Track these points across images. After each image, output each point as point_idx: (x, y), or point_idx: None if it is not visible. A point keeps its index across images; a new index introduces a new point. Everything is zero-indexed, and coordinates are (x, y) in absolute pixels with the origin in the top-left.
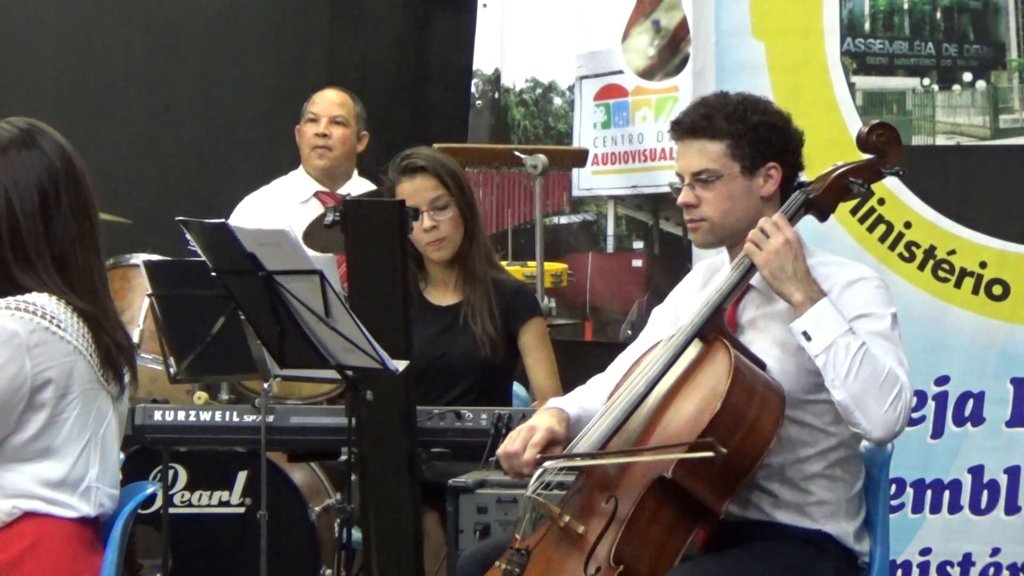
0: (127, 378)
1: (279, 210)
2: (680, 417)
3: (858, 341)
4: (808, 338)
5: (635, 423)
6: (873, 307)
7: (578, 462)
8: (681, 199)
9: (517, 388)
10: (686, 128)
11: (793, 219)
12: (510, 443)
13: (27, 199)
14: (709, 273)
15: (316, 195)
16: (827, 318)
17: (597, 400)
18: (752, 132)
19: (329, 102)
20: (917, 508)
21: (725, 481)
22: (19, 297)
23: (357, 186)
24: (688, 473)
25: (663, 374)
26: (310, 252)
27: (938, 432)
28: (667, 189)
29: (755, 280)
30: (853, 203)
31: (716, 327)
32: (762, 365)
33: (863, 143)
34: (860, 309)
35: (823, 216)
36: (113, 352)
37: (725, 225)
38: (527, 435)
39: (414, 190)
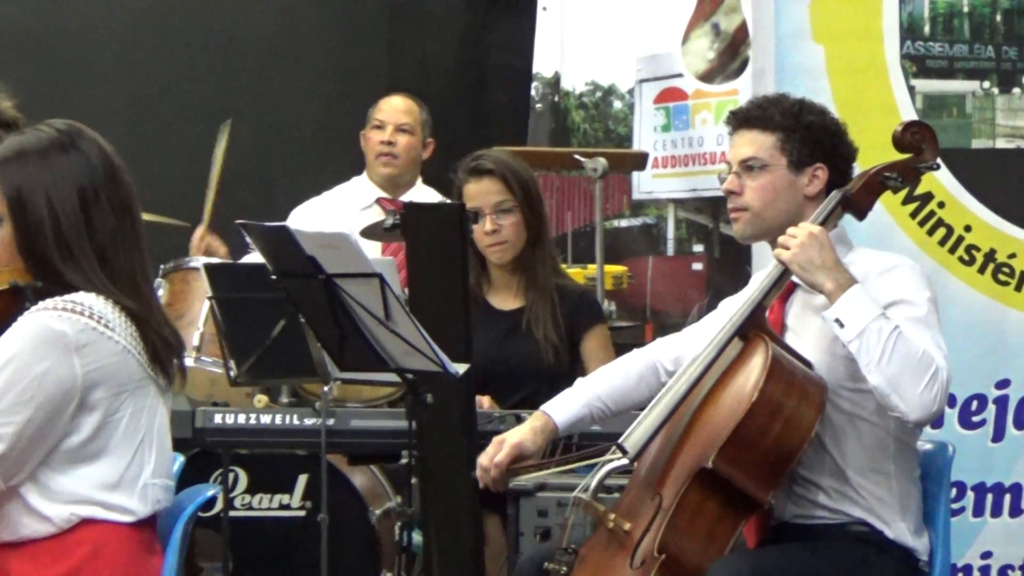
0: (174, 373)
1: (339, 215)
2: (720, 411)
3: (891, 324)
4: (841, 325)
5: (678, 421)
6: (908, 293)
7: (540, 473)
8: (726, 185)
9: None
10: (741, 118)
11: (830, 217)
12: (483, 456)
13: (68, 199)
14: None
15: (378, 201)
16: (859, 304)
17: (620, 380)
18: (804, 130)
19: (395, 109)
20: (978, 511)
21: (767, 471)
22: (66, 297)
23: (421, 194)
24: (729, 464)
25: (705, 372)
26: (370, 255)
27: (999, 435)
28: None
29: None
30: (912, 206)
31: (756, 324)
32: (808, 364)
33: (898, 142)
34: (895, 295)
35: (861, 215)
36: (160, 349)
37: (765, 217)
38: (494, 451)
39: (479, 192)
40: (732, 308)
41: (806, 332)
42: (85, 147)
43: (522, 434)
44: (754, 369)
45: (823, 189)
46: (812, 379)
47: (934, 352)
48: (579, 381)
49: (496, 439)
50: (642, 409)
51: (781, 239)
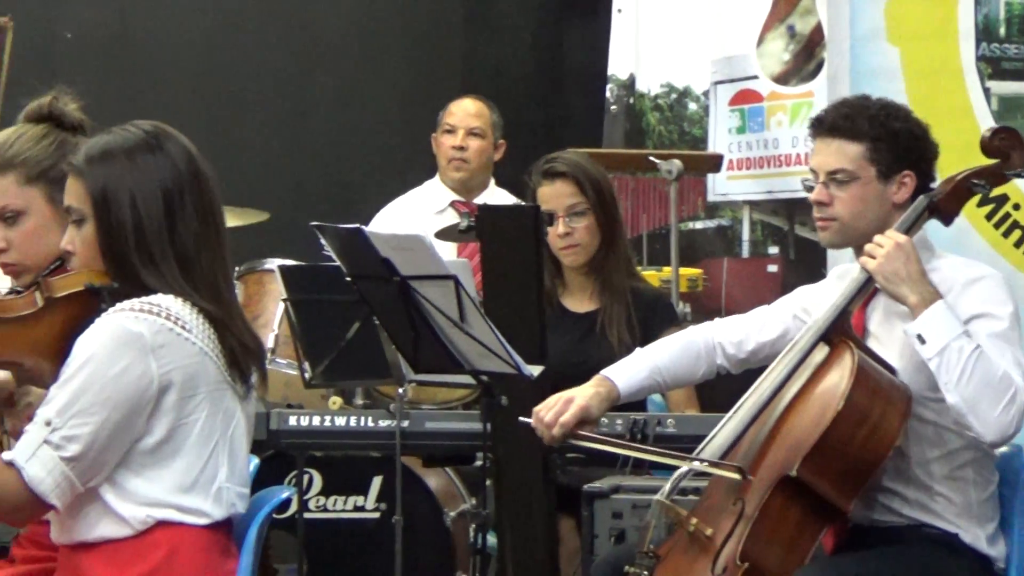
0: (254, 379)
1: (415, 220)
2: (805, 418)
3: (972, 344)
4: (923, 341)
5: (761, 426)
6: (991, 307)
7: (600, 447)
8: (814, 196)
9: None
10: (827, 126)
11: (915, 225)
12: (545, 410)
13: (152, 201)
14: (843, 277)
15: (452, 204)
16: (941, 321)
17: (678, 354)
18: (892, 138)
19: (466, 113)
20: None
21: (851, 479)
22: (144, 299)
23: (494, 196)
24: (813, 472)
25: (789, 377)
26: (445, 257)
27: None
28: (802, 195)
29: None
30: (988, 208)
31: (841, 330)
32: (891, 370)
33: (986, 147)
34: (978, 309)
35: (947, 220)
36: (239, 353)
37: (855, 227)
38: (560, 409)
39: (553, 194)
40: (807, 297)
41: (889, 339)
42: (171, 149)
43: (588, 397)
44: (840, 376)
45: (911, 196)
46: (897, 387)
47: (1013, 372)
48: (640, 351)
49: (561, 396)
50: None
51: (868, 247)
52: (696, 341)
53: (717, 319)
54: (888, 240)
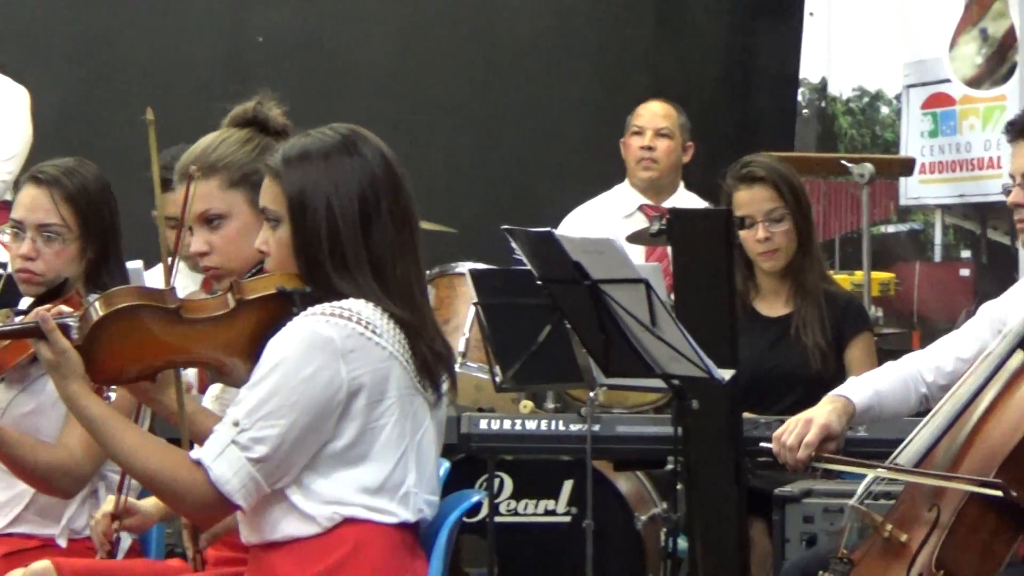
0: (445, 386)
1: (604, 223)
2: (1002, 424)
3: None
4: None
5: (957, 434)
6: None
7: (850, 468)
8: (1012, 199)
9: None
10: (1021, 129)
11: None
12: (787, 434)
13: (348, 205)
14: None
15: (640, 208)
16: None
17: (892, 383)
18: None
19: (654, 114)
20: None
21: None
22: (336, 303)
23: (683, 199)
24: (1010, 479)
25: (985, 383)
26: (634, 261)
27: None
28: (995, 198)
29: None
30: None
31: None
32: None
33: None
34: None
35: None
36: (430, 360)
37: None
38: (802, 430)
39: (751, 199)
40: (998, 309)
41: None
42: (367, 152)
43: (826, 414)
44: None
45: None
46: None
47: None
48: (864, 375)
49: (799, 418)
50: (912, 418)
51: None
52: (901, 370)
53: (907, 355)
54: None
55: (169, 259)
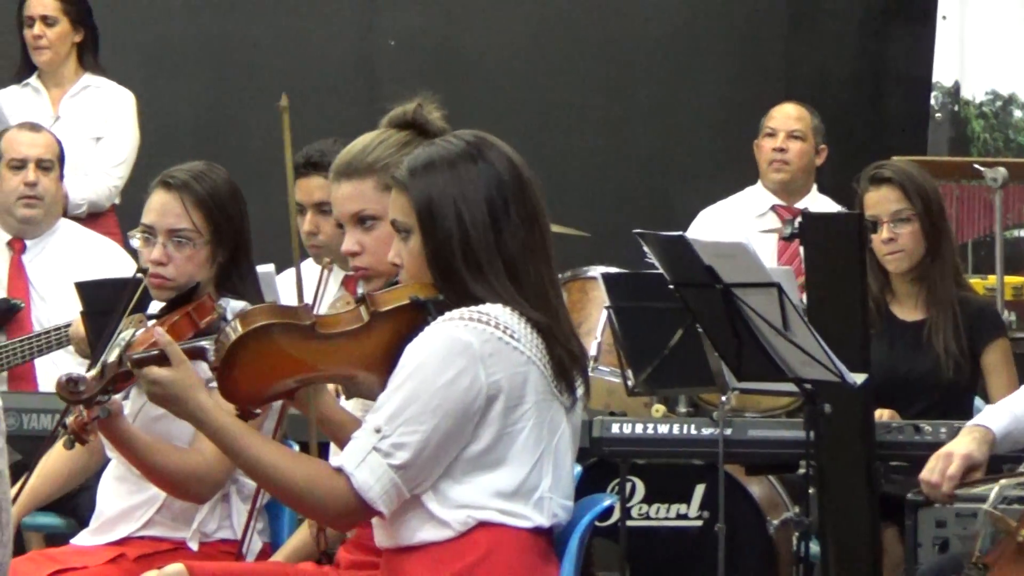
0: (580, 389)
1: (735, 223)
2: None
3: None
4: None
5: None
6: None
7: (993, 486)
8: None
9: (978, 402)
10: None
11: None
12: (929, 473)
13: (477, 211)
14: None
15: (773, 208)
16: None
17: None
18: None
19: (787, 116)
20: None
21: None
22: (473, 308)
23: (816, 201)
24: None
25: None
26: (765, 260)
27: None
28: None
29: None
30: None
31: None
32: None
33: None
34: None
35: None
36: (566, 362)
37: None
38: (943, 465)
39: (877, 200)
40: None
41: None
42: (493, 158)
43: (965, 444)
44: None
45: None
46: None
47: None
48: (997, 403)
49: (940, 453)
50: None
51: None
52: None
53: None
54: None
55: (295, 269)
